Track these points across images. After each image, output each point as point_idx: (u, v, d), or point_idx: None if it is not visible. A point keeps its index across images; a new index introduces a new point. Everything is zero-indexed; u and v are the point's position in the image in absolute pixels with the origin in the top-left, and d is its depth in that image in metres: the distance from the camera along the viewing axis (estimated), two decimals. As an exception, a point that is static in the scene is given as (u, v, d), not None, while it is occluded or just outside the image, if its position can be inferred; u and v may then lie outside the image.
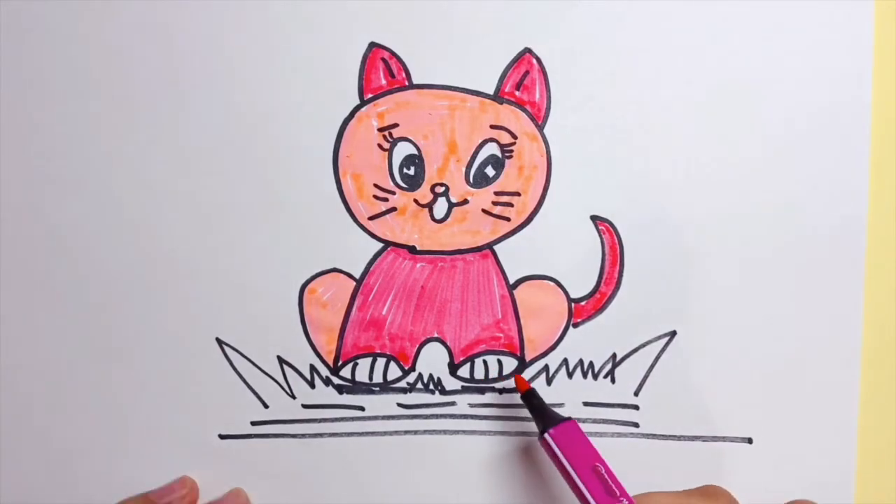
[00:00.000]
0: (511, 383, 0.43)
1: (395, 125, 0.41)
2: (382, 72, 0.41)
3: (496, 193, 0.42)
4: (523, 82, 0.41)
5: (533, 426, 0.43)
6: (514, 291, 0.42)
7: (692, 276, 0.42)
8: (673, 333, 0.42)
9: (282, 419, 0.43)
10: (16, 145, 0.41)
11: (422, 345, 0.43)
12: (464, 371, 0.43)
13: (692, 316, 0.42)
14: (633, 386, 0.43)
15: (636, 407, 0.43)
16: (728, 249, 0.42)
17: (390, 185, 0.41)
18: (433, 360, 0.43)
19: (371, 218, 0.42)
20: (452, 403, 0.43)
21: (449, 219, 0.42)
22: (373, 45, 0.40)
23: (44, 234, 0.41)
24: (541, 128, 0.41)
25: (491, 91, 0.41)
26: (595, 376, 0.43)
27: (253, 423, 0.43)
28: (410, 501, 0.43)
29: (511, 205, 0.42)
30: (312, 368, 0.43)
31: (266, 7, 0.40)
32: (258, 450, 0.43)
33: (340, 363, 0.43)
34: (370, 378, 0.43)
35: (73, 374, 0.42)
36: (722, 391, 0.42)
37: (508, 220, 0.42)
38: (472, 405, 0.43)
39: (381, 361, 0.43)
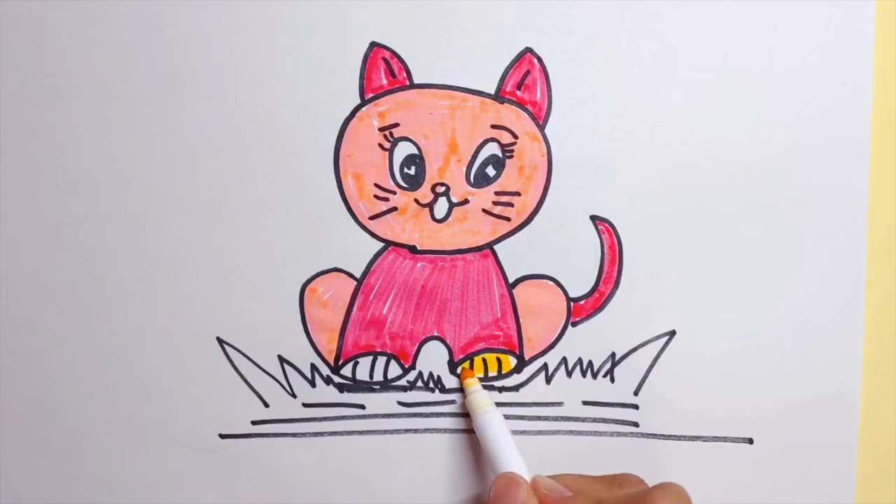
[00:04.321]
0: (509, 382, 0.43)
1: (396, 125, 0.41)
2: (383, 71, 0.40)
3: (496, 193, 0.41)
4: (524, 82, 0.41)
5: (533, 425, 0.43)
6: (514, 290, 0.42)
7: (692, 276, 0.42)
8: (672, 333, 0.42)
9: (282, 418, 0.43)
10: (16, 145, 0.41)
11: (422, 343, 0.43)
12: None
13: (692, 316, 0.42)
14: (632, 385, 0.43)
15: (636, 406, 0.43)
16: (728, 249, 0.42)
17: (391, 185, 0.41)
18: (433, 359, 0.43)
19: (372, 217, 0.41)
20: (452, 402, 0.43)
21: (449, 218, 0.42)
22: (374, 45, 0.40)
23: (44, 234, 0.41)
24: (542, 128, 0.41)
25: (492, 91, 0.41)
26: (594, 375, 0.43)
27: (253, 423, 0.43)
28: (410, 500, 0.43)
29: (511, 205, 0.42)
30: (313, 367, 0.43)
31: (267, 6, 0.40)
32: (258, 449, 0.43)
33: (341, 362, 0.43)
34: (371, 377, 0.43)
35: (73, 373, 0.42)
36: (722, 391, 0.43)
37: (508, 219, 0.42)
38: (471, 403, 0.43)
39: (381, 360, 0.43)
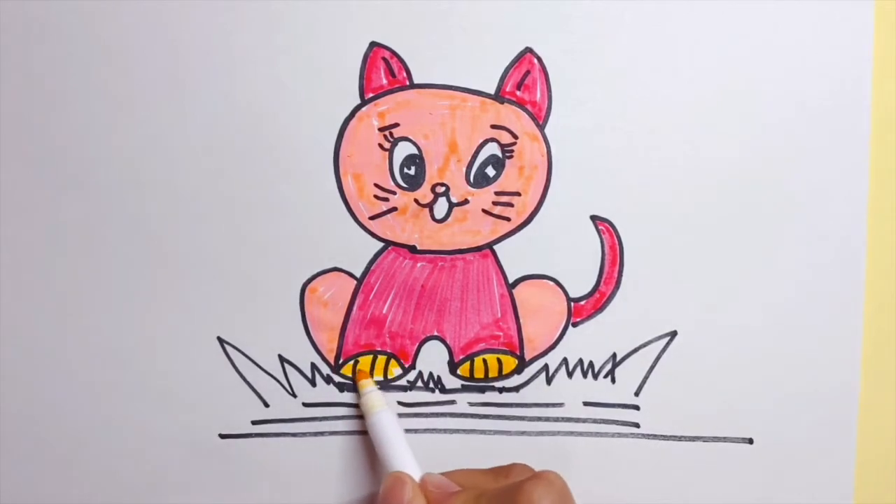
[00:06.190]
0: (510, 383, 0.43)
1: (396, 125, 0.41)
2: (383, 71, 0.41)
3: (496, 193, 0.41)
4: (524, 82, 0.41)
5: (533, 426, 0.43)
6: (514, 291, 0.42)
7: (692, 276, 0.42)
8: (673, 333, 0.42)
9: (282, 418, 0.43)
10: (16, 145, 0.41)
11: (422, 343, 0.43)
12: (463, 370, 0.43)
13: (692, 316, 0.42)
14: (633, 386, 0.43)
15: (637, 407, 0.43)
16: (728, 249, 0.42)
17: (391, 185, 0.41)
18: (433, 359, 0.43)
19: (372, 217, 0.42)
20: (452, 402, 0.43)
21: (449, 219, 0.42)
22: (374, 45, 0.40)
23: (44, 234, 0.41)
24: (542, 127, 0.41)
25: (492, 91, 0.41)
26: (595, 376, 0.43)
27: (253, 423, 0.43)
28: (410, 500, 0.43)
29: (511, 205, 0.42)
30: (313, 367, 0.43)
31: (267, 6, 0.40)
32: (259, 449, 0.43)
33: (341, 361, 0.43)
34: (371, 376, 0.43)
35: (73, 373, 0.42)
36: (722, 391, 0.42)
37: (508, 220, 0.42)
38: (471, 404, 0.43)
39: (381, 359, 0.43)
